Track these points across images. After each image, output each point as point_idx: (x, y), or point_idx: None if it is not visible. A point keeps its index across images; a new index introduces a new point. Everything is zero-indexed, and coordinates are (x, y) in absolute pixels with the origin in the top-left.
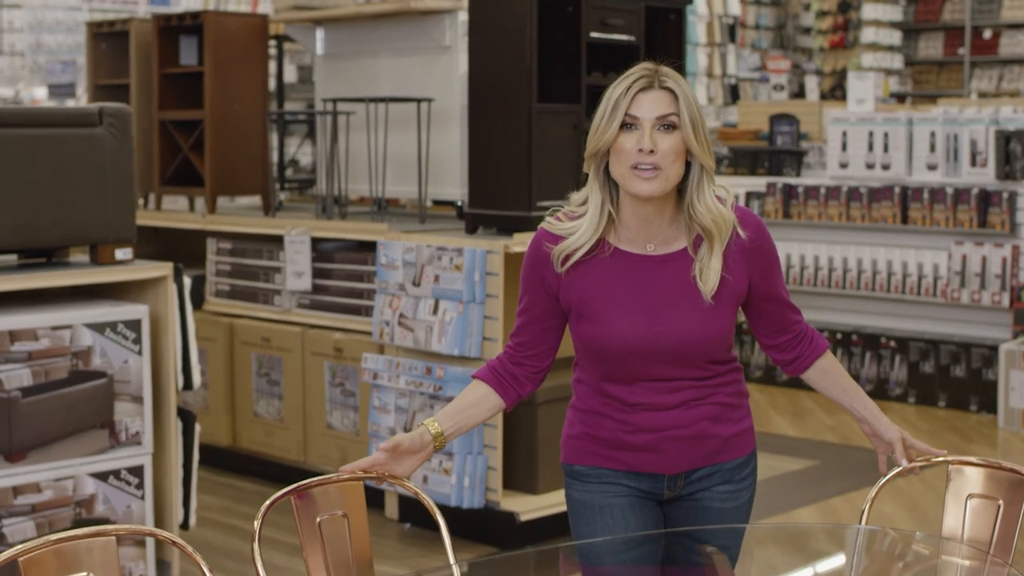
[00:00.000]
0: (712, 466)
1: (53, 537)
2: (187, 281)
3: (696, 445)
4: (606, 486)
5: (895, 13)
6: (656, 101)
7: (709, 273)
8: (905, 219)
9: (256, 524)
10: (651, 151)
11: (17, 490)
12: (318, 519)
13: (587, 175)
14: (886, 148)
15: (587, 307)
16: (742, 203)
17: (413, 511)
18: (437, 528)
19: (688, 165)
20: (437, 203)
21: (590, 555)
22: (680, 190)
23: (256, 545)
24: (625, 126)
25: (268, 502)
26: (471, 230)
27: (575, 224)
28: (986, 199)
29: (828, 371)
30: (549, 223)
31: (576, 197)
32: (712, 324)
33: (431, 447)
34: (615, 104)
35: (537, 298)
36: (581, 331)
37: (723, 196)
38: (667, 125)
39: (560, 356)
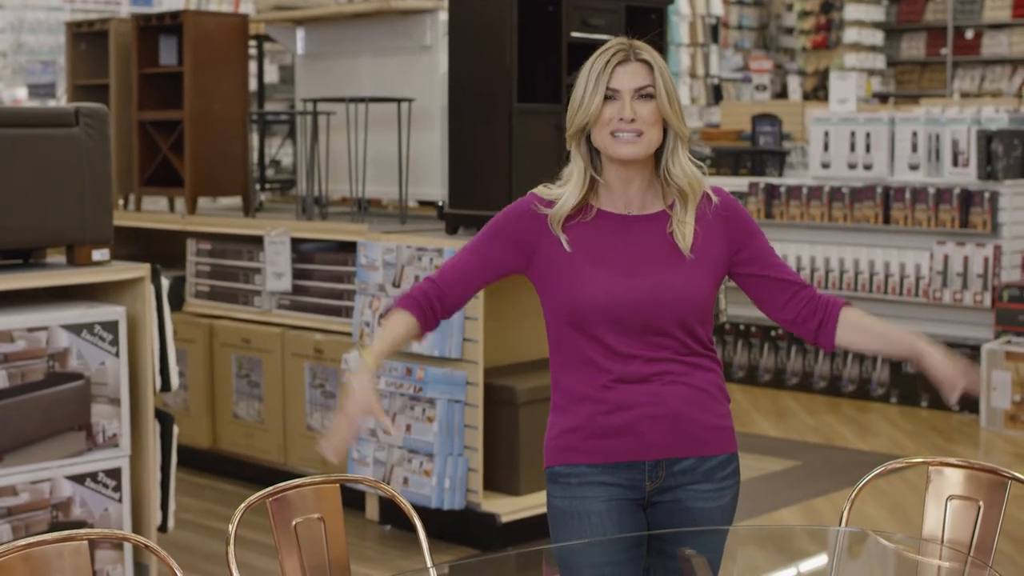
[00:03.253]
0: (693, 459)
1: (22, 542)
2: (165, 282)
3: (673, 427)
4: (585, 488)
5: (878, 13)
6: (634, 73)
7: (685, 227)
8: (887, 219)
9: (231, 528)
10: (632, 119)
11: None
12: (294, 522)
13: (568, 160)
14: (868, 148)
15: (573, 265)
16: None
17: (393, 513)
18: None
19: (664, 133)
20: (420, 203)
21: (569, 561)
22: (657, 158)
23: (231, 549)
24: (606, 99)
25: (243, 506)
26: (452, 230)
27: (562, 191)
28: (968, 199)
29: (858, 324)
30: (538, 189)
31: (564, 173)
32: (689, 282)
33: (374, 376)
34: (596, 78)
35: (500, 252)
36: (563, 290)
37: (698, 164)
38: (645, 95)
39: (540, 357)
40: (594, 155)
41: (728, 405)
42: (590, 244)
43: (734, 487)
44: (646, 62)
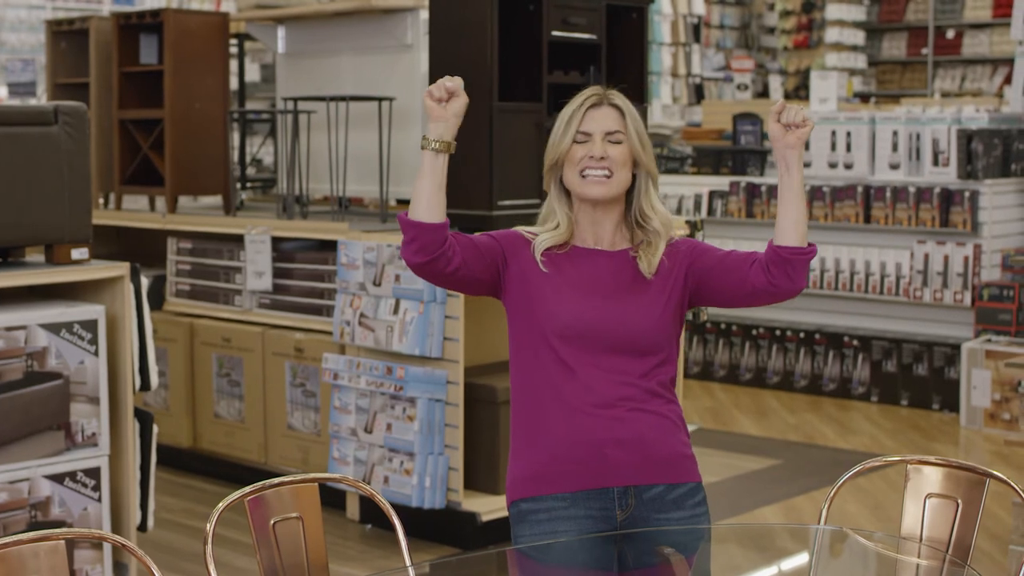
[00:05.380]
0: (662, 487)
1: None
2: (144, 281)
3: (639, 452)
4: (555, 523)
5: (859, 13)
6: (605, 117)
7: (652, 256)
8: (868, 218)
9: (208, 527)
10: (602, 157)
11: None
12: (272, 521)
13: (547, 193)
14: (849, 147)
15: (544, 285)
16: (704, 204)
17: (374, 512)
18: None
19: (634, 177)
20: (400, 202)
21: (539, 557)
22: (628, 201)
23: (208, 548)
24: (577, 142)
25: (221, 505)
26: None
27: (547, 230)
28: (948, 198)
29: (778, 224)
30: (522, 228)
31: (541, 216)
32: (652, 309)
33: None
34: (568, 120)
35: (490, 254)
36: (535, 307)
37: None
38: (615, 141)
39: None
40: (567, 196)
41: (688, 437)
42: (563, 269)
43: (705, 516)
44: (617, 107)
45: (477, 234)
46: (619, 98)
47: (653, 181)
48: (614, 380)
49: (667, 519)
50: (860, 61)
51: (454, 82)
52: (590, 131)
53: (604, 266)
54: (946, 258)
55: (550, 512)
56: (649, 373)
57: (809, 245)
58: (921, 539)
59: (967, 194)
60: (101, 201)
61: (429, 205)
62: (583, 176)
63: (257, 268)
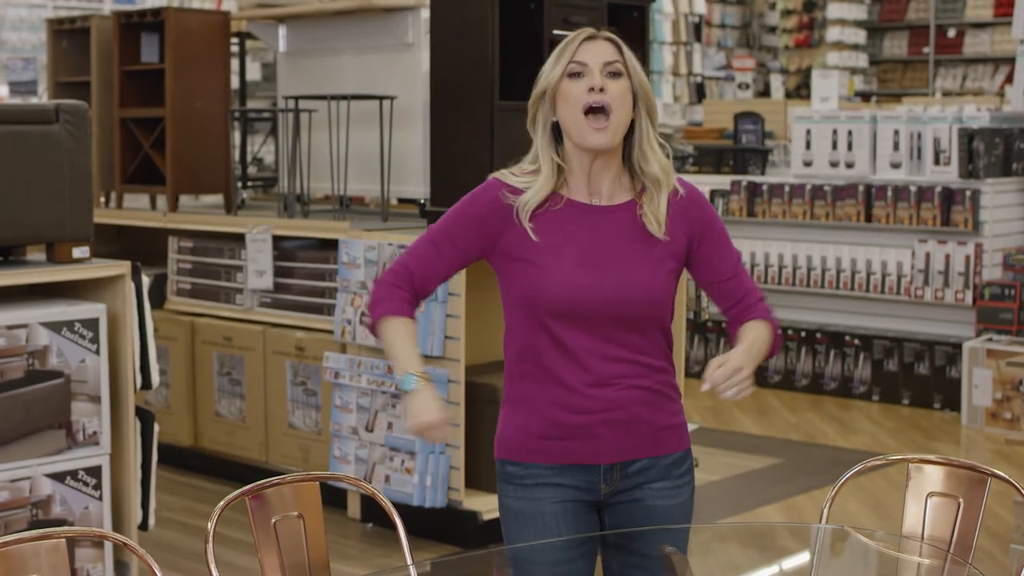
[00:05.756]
0: (648, 459)
1: None
2: (146, 279)
3: (628, 430)
4: (540, 489)
5: (860, 12)
6: (602, 49)
7: (658, 212)
8: (869, 217)
9: (210, 526)
10: (601, 89)
11: None
12: (273, 520)
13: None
14: (850, 146)
15: (537, 256)
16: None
17: (375, 511)
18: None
19: (632, 124)
20: (402, 201)
21: (523, 561)
22: (626, 148)
23: (210, 547)
24: (573, 75)
25: (221, 504)
26: None
27: (530, 179)
28: (949, 197)
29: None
30: (503, 174)
31: (528, 157)
32: (655, 277)
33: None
34: (561, 51)
35: (468, 238)
36: (527, 282)
37: (665, 145)
38: (613, 72)
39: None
40: (558, 143)
41: (680, 402)
42: (556, 235)
43: (691, 483)
44: (612, 40)
45: (442, 224)
46: (614, 34)
47: (652, 121)
48: (611, 356)
49: (652, 488)
50: (861, 60)
51: (443, 434)
52: (586, 60)
53: (604, 227)
54: (947, 257)
55: (535, 479)
56: (648, 345)
57: (770, 350)
58: (923, 538)
59: (968, 193)
60: (102, 200)
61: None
62: (585, 115)
63: (258, 267)
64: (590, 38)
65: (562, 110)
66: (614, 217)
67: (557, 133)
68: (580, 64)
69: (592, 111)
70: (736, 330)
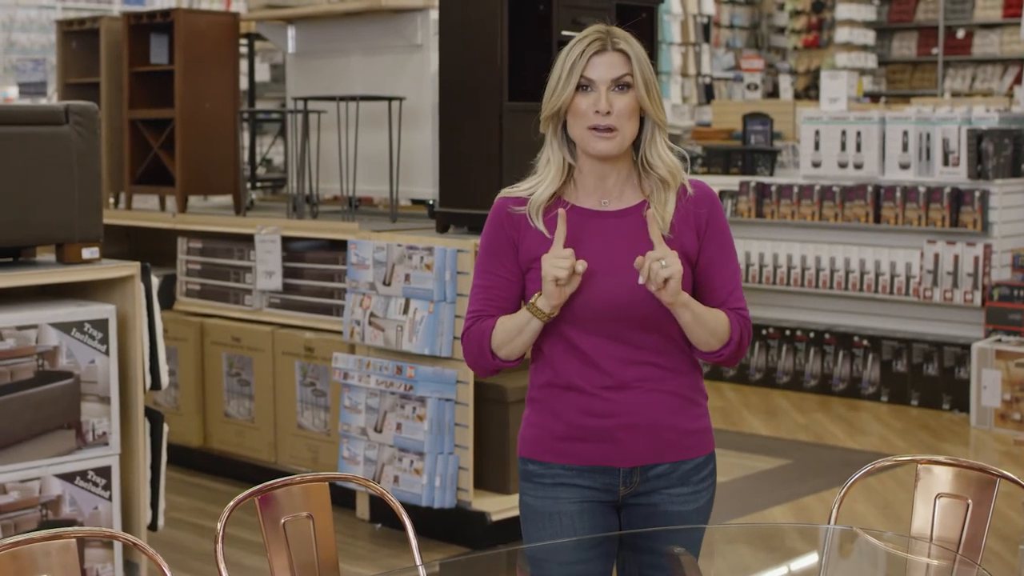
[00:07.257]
0: (669, 464)
1: (8, 541)
2: (155, 280)
3: (652, 435)
4: (559, 489)
5: (869, 13)
6: (610, 63)
7: (665, 211)
8: (878, 218)
9: (219, 526)
10: (607, 112)
11: None
12: (282, 520)
13: (543, 138)
14: (859, 147)
15: None
16: None
17: (384, 511)
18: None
19: (641, 122)
20: (411, 202)
21: (541, 560)
22: (635, 147)
23: (219, 547)
24: (581, 88)
25: (231, 504)
26: (442, 229)
27: (535, 181)
28: (958, 198)
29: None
30: (506, 191)
31: (536, 163)
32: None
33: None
34: (571, 67)
35: (507, 263)
36: (540, 285)
37: (676, 148)
38: (621, 86)
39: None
40: (569, 144)
41: (705, 404)
42: (568, 241)
43: (710, 488)
44: (623, 52)
45: (480, 265)
46: (625, 41)
47: (661, 129)
48: (629, 359)
49: (670, 494)
50: (870, 61)
51: (582, 266)
52: (594, 78)
53: (613, 233)
54: (956, 258)
55: (555, 478)
56: (667, 346)
57: (723, 347)
58: (931, 539)
59: (977, 194)
60: (111, 201)
61: (518, 355)
62: (590, 131)
63: (267, 268)
64: (599, 52)
65: (571, 121)
66: (624, 221)
67: (568, 138)
68: (588, 80)
69: (598, 128)
70: None
